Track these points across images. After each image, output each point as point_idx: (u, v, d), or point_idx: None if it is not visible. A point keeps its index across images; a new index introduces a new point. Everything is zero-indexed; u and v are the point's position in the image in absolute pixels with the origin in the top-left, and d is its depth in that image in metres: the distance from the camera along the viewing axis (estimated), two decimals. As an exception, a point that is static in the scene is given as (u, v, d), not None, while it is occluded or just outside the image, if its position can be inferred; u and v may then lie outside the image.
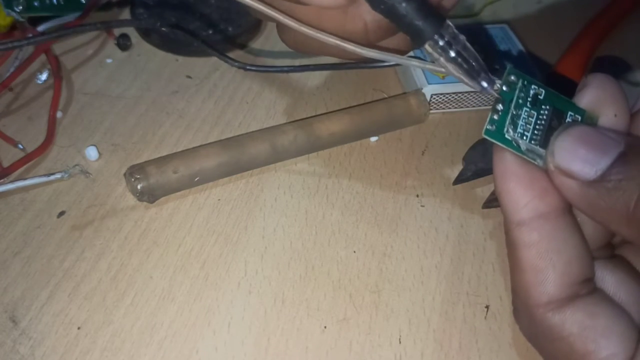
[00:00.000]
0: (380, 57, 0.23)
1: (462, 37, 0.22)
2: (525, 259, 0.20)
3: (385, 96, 0.38)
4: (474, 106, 0.39)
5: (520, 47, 0.41)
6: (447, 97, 0.38)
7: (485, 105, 0.39)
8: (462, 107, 0.39)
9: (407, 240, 0.32)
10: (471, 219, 0.33)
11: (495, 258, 0.31)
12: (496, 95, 0.21)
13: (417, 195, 0.34)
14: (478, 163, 0.34)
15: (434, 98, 0.38)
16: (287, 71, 0.39)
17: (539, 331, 0.21)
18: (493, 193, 0.33)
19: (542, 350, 0.22)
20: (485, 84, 0.22)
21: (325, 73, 0.40)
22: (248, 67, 0.35)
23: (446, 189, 0.34)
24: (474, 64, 0.22)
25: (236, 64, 0.35)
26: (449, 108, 0.39)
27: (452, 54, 0.22)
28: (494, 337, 0.28)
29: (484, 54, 0.23)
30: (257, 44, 0.43)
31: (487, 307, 0.29)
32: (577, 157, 0.19)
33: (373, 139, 0.37)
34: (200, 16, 0.42)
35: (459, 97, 0.38)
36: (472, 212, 0.33)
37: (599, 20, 0.45)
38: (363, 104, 0.37)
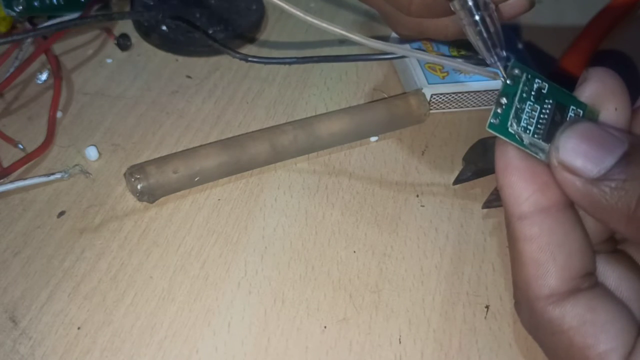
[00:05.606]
0: (385, 49, 0.23)
1: (492, 6, 0.22)
2: (526, 252, 0.21)
3: (385, 96, 0.38)
4: (474, 106, 0.39)
5: (520, 47, 0.41)
6: (447, 97, 0.38)
7: (485, 105, 0.39)
8: (462, 107, 0.39)
9: (407, 240, 0.32)
10: (471, 219, 0.33)
11: (495, 258, 0.31)
12: (502, 74, 0.21)
13: (417, 195, 0.34)
14: (478, 163, 0.34)
15: (434, 98, 0.38)
16: (290, 63, 0.38)
17: (539, 324, 0.21)
18: (493, 193, 0.33)
19: (542, 344, 0.22)
20: (496, 59, 0.22)
21: (325, 73, 0.40)
22: (249, 59, 0.35)
23: (446, 189, 0.34)
24: (494, 35, 0.22)
25: (238, 55, 0.35)
26: (449, 108, 0.39)
27: (477, 17, 0.22)
28: (494, 337, 0.28)
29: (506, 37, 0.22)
30: (258, 41, 0.43)
31: (487, 307, 0.29)
32: (581, 154, 0.19)
33: (373, 139, 0.37)
34: (201, 12, 0.42)
35: (459, 97, 0.38)
36: (472, 212, 0.33)
37: (600, 19, 0.45)
38: (363, 104, 0.37)
